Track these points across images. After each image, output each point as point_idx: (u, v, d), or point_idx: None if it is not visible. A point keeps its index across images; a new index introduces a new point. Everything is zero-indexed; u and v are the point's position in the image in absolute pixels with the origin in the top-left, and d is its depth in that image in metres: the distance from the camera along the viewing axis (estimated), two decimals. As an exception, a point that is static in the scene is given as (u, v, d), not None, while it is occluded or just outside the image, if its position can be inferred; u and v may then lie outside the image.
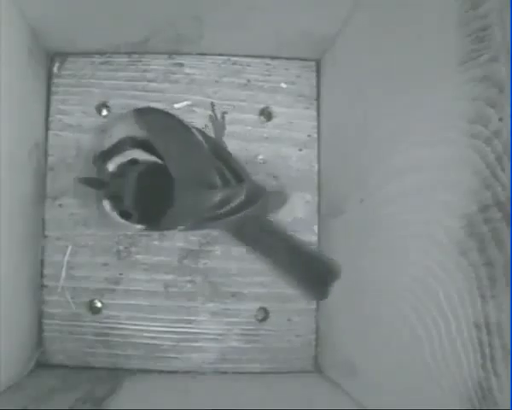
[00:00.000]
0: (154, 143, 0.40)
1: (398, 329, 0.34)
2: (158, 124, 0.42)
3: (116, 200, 0.40)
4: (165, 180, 0.40)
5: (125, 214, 0.41)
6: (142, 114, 0.42)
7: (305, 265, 0.45)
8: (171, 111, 0.46)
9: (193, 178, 0.41)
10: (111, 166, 0.40)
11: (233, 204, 0.42)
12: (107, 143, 0.41)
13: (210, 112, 0.50)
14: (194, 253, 0.49)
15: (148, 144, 0.40)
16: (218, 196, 0.42)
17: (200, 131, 0.45)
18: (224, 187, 0.43)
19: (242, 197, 0.43)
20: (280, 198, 0.47)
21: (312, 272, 0.45)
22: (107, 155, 0.41)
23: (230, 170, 0.44)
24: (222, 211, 0.42)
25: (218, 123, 0.49)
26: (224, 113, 0.49)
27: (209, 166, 0.43)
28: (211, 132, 0.49)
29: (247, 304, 0.49)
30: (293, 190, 0.50)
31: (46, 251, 0.48)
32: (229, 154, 0.46)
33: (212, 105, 0.49)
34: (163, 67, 0.50)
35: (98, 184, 0.40)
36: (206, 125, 0.50)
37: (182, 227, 0.43)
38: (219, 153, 0.45)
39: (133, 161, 0.40)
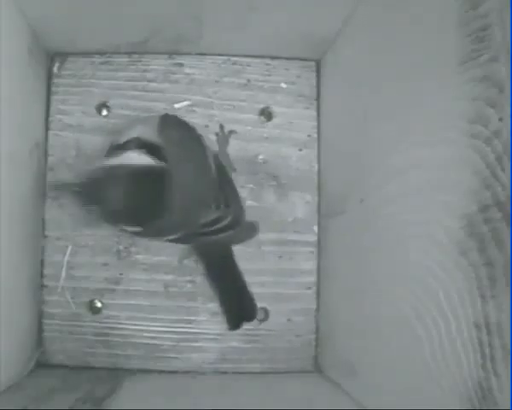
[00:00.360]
0: (166, 151, 0.40)
1: (398, 329, 0.34)
2: (179, 135, 0.42)
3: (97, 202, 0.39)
4: (161, 186, 0.39)
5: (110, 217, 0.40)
6: (168, 121, 0.42)
7: (235, 298, 0.48)
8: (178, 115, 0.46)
9: (194, 195, 0.41)
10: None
11: (219, 226, 0.44)
12: (115, 141, 0.41)
13: (217, 130, 0.50)
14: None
15: (155, 149, 0.40)
16: (212, 216, 0.44)
17: (213, 154, 0.45)
18: (217, 209, 0.44)
19: (227, 222, 0.44)
20: (252, 230, 0.47)
21: (236, 307, 0.49)
22: (109, 153, 0.41)
23: (224, 196, 0.45)
24: (209, 230, 0.44)
25: (223, 139, 0.49)
26: (232, 131, 0.50)
27: (210, 191, 0.44)
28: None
29: (247, 304, 0.49)
30: (293, 190, 0.50)
31: (46, 251, 0.48)
32: (229, 180, 0.47)
33: (221, 127, 0.49)
34: (163, 67, 0.50)
35: (71, 188, 0.40)
36: (206, 126, 0.50)
37: (172, 237, 0.43)
38: (221, 179, 0.45)
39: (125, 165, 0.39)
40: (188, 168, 0.41)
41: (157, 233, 0.43)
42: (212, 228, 0.44)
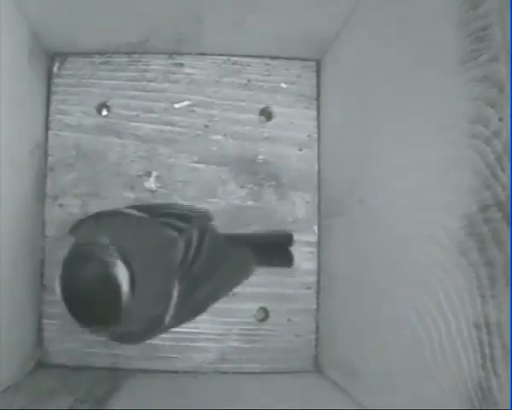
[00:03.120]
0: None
1: (398, 329, 0.34)
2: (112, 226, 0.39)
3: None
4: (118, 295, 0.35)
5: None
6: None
7: (269, 245, 0.48)
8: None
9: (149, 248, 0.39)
10: None
11: (194, 244, 0.41)
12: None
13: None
14: (194, 253, 0.49)
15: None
16: (180, 246, 0.41)
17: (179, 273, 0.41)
18: (181, 234, 0.41)
19: (197, 233, 0.42)
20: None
21: (276, 248, 0.48)
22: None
23: (176, 216, 0.42)
24: (190, 256, 0.41)
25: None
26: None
27: (157, 227, 0.41)
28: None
29: (247, 304, 0.49)
30: (293, 190, 0.50)
31: (46, 251, 0.48)
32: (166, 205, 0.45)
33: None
34: (163, 67, 0.50)
35: None
36: (206, 126, 0.50)
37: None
38: (157, 210, 0.43)
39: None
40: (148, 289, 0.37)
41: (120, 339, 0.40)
42: (192, 252, 0.41)
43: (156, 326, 0.40)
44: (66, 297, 0.34)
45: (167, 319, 0.40)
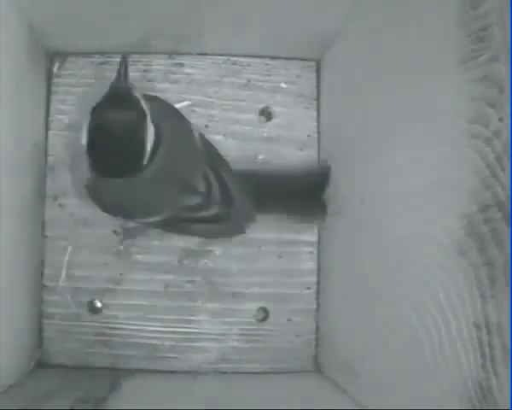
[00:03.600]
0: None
1: (398, 329, 0.34)
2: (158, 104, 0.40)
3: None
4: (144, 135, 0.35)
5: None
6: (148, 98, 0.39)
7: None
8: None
9: (180, 162, 0.40)
10: None
11: (205, 214, 0.42)
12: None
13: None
14: (194, 253, 0.49)
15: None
16: (197, 200, 0.41)
17: (197, 129, 0.44)
18: (206, 194, 0.42)
19: (217, 211, 0.43)
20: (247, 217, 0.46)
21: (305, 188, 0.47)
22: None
23: (218, 179, 0.43)
24: (192, 216, 0.42)
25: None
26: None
27: (197, 169, 0.42)
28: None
29: (247, 304, 0.49)
30: (293, 190, 0.50)
31: (46, 251, 0.48)
32: (224, 164, 0.45)
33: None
34: (163, 67, 0.50)
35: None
36: (206, 126, 0.50)
37: (152, 219, 0.42)
38: (213, 160, 0.43)
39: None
40: (172, 130, 0.39)
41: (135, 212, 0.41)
42: (196, 215, 0.42)
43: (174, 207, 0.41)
44: (90, 143, 0.35)
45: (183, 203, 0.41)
